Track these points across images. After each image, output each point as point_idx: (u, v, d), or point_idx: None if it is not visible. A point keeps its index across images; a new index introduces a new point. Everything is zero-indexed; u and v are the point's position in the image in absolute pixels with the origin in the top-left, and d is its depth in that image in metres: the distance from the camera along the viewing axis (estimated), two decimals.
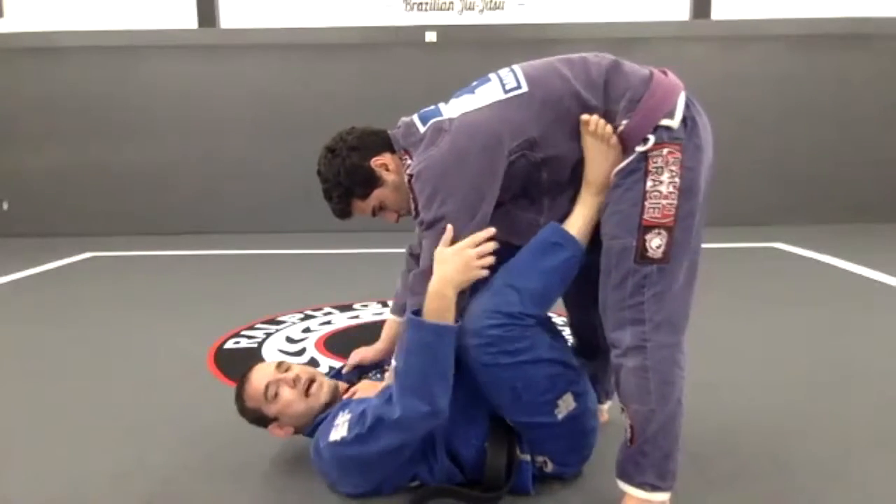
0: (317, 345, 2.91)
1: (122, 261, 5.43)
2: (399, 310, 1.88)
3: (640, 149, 1.42)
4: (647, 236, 1.41)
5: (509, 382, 1.47)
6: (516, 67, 1.56)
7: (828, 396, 2.22)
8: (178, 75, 6.73)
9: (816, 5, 6.56)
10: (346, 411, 1.55)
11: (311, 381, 1.68)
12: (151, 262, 5.37)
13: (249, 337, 3.03)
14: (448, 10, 6.66)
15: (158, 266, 5.20)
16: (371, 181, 1.59)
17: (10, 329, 3.36)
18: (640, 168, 1.43)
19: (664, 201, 1.40)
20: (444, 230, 1.45)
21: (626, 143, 1.45)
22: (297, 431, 1.70)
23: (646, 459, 1.43)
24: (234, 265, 5.12)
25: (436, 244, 1.47)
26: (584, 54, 1.57)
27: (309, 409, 1.66)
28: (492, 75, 1.57)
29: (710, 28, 6.61)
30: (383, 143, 1.61)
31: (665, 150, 1.41)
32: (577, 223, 1.52)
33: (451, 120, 1.50)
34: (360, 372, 1.90)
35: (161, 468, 1.80)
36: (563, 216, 1.55)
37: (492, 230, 1.47)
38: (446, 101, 1.59)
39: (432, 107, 1.58)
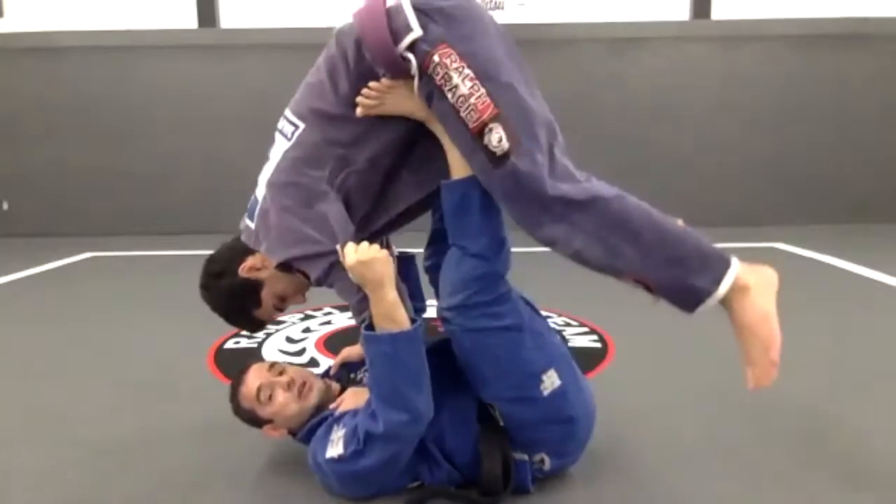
0: (317, 345, 2.91)
1: (122, 261, 5.43)
2: None
3: (414, 73, 1.39)
4: (485, 139, 1.36)
5: (493, 350, 1.47)
6: (286, 111, 1.61)
7: (828, 396, 2.22)
8: (178, 75, 6.73)
9: (816, 5, 6.56)
10: (341, 426, 1.54)
11: (304, 383, 1.68)
12: (151, 262, 5.37)
13: (249, 337, 3.03)
14: None
15: (158, 266, 5.20)
16: (253, 289, 1.65)
17: (10, 329, 3.36)
18: (431, 87, 1.39)
19: (472, 100, 1.35)
20: (330, 266, 1.49)
21: (400, 76, 1.42)
22: (290, 433, 1.69)
23: (685, 279, 1.36)
24: None
25: (343, 280, 1.49)
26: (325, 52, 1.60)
27: (302, 410, 1.66)
28: (276, 133, 1.63)
29: (710, 28, 6.61)
30: (240, 251, 1.67)
31: (435, 57, 1.36)
32: (454, 163, 1.50)
33: (265, 198, 1.57)
34: (349, 370, 1.90)
35: (161, 468, 1.80)
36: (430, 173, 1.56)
37: (351, 228, 1.51)
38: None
39: (252, 198, 1.67)
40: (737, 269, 1.39)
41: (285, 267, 1.57)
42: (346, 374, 1.88)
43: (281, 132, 1.59)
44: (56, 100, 6.73)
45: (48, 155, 6.80)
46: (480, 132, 1.36)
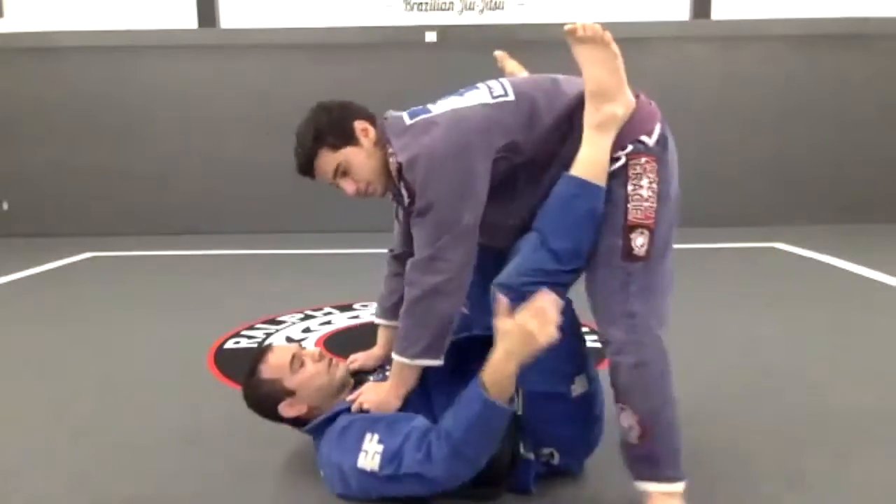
0: (317, 344, 2.91)
1: (122, 261, 5.43)
2: (386, 313, 1.91)
3: (621, 153, 1.50)
4: (632, 235, 1.47)
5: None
6: (503, 80, 1.65)
7: (828, 396, 2.22)
8: (178, 75, 6.73)
9: (816, 5, 6.56)
10: (376, 438, 1.51)
11: (331, 359, 1.74)
12: (151, 262, 5.37)
13: (249, 337, 3.03)
14: (448, 10, 6.66)
15: (158, 266, 5.20)
16: (347, 136, 1.59)
17: (10, 329, 3.36)
18: (621, 174, 1.50)
19: (645, 204, 1.48)
20: (438, 220, 1.48)
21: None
22: (306, 414, 1.68)
23: (661, 455, 1.48)
24: (234, 265, 5.12)
25: (429, 231, 1.50)
26: (571, 77, 1.65)
27: (329, 383, 1.69)
28: (479, 84, 1.64)
29: (710, 28, 6.61)
30: (370, 117, 1.65)
31: (643, 159, 1.50)
32: (586, 166, 1.51)
33: (442, 114, 1.56)
34: (359, 378, 1.88)
35: (161, 468, 1.80)
36: (531, 215, 1.57)
37: (549, 294, 1.39)
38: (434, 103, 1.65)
39: (420, 107, 1.63)
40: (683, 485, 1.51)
41: (399, 173, 1.55)
42: (357, 380, 1.87)
43: (488, 87, 1.62)
44: (56, 100, 6.73)
45: (48, 155, 6.80)
46: (633, 228, 1.48)
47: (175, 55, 6.67)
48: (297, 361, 1.69)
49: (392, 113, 1.65)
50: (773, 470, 1.73)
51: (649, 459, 1.49)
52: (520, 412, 1.56)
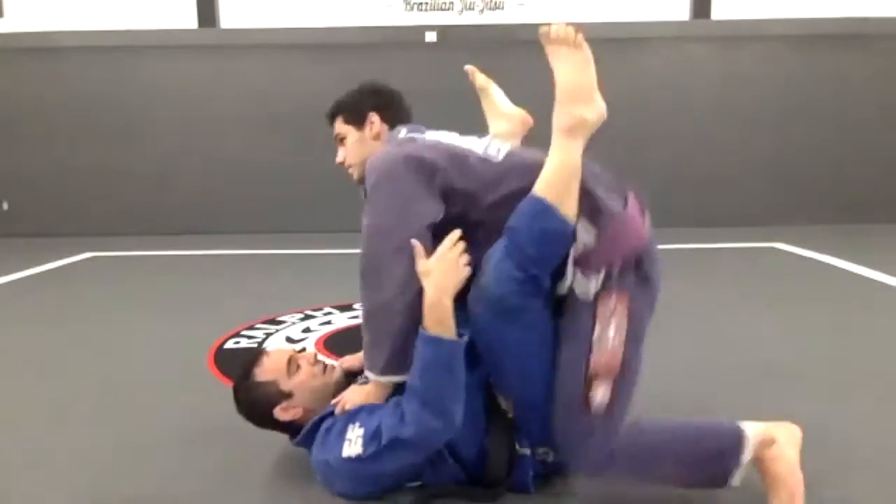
0: (317, 345, 2.91)
1: (122, 261, 5.43)
2: None
3: (594, 276, 1.43)
4: (594, 384, 1.42)
5: (540, 326, 1.48)
6: (507, 145, 1.66)
7: (828, 396, 2.22)
8: (178, 75, 6.73)
9: (816, 5, 6.56)
10: (357, 424, 1.53)
11: (325, 362, 1.76)
12: (151, 262, 5.37)
13: (249, 337, 3.03)
14: (448, 10, 6.67)
15: (158, 266, 5.20)
16: (357, 119, 1.78)
17: (10, 329, 3.36)
18: (591, 308, 1.44)
19: (608, 350, 1.42)
20: (374, 234, 1.51)
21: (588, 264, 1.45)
22: (301, 417, 1.68)
23: (711, 473, 1.49)
24: (234, 265, 5.12)
25: (366, 245, 1.52)
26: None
27: (325, 386, 1.70)
28: (485, 137, 1.71)
29: (710, 28, 6.61)
30: (395, 117, 1.80)
31: (613, 300, 1.43)
32: (555, 175, 1.43)
33: (423, 137, 1.68)
34: (348, 379, 1.89)
35: (161, 468, 1.80)
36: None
37: (458, 231, 1.50)
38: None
39: (424, 128, 1.76)
40: (756, 434, 1.47)
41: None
42: (347, 382, 1.87)
43: (487, 142, 1.66)
44: (56, 100, 6.73)
45: (48, 155, 6.80)
46: (595, 375, 1.42)
47: (175, 55, 6.67)
48: (294, 364, 1.69)
49: (410, 126, 1.77)
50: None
51: (708, 480, 1.50)
52: (511, 415, 1.57)
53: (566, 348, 1.47)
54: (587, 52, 1.46)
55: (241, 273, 4.83)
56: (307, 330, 3.13)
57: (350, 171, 1.81)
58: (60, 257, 5.35)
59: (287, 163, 6.66)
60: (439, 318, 1.44)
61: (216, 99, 6.72)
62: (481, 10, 6.65)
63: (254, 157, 6.73)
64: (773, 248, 5.22)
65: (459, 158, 1.57)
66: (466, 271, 1.47)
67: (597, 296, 1.44)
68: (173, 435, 2.00)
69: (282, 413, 1.67)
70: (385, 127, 1.78)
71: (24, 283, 4.50)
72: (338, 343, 2.89)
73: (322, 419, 1.63)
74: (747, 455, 1.45)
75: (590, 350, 1.43)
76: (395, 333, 1.51)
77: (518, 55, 6.94)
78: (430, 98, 6.16)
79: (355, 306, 3.50)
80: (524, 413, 1.56)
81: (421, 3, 6.67)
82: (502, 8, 6.65)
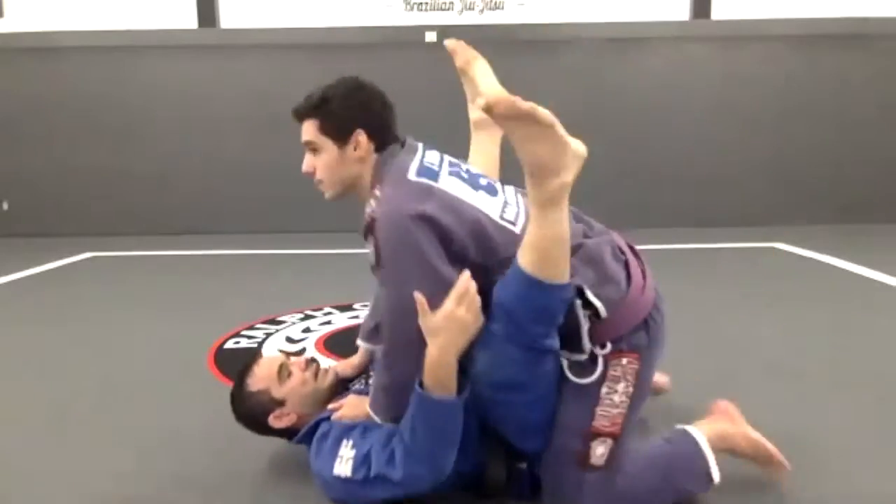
0: (317, 345, 2.91)
1: (122, 261, 5.43)
2: (365, 334, 1.90)
3: (599, 352, 1.41)
4: (593, 443, 1.42)
5: (545, 387, 1.43)
6: (526, 205, 1.51)
7: (827, 396, 2.22)
8: (178, 75, 6.72)
9: (816, 5, 6.56)
10: (350, 443, 1.51)
11: (318, 366, 1.75)
12: (151, 262, 5.37)
13: (249, 337, 3.03)
14: (448, 10, 6.66)
15: (158, 266, 5.20)
16: (341, 132, 1.53)
17: (10, 329, 3.36)
18: (596, 370, 1.41)
19: (615, 410, 1.42)
20: (405, 297, 1.37)
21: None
22: (296, 423, 1.68)
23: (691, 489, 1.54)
24: (234, 265, 5.12)
25: (388, 318, 1.46)
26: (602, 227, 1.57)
27: (317, 391, 1.70)
28: (504, 189, 1.58)
29: (710, 28, 6.61)
30: (385, 136, 1.57)
31: (625, 360, 1.42)
32: (539, 251, 1.28)
33: (443, 193, 1.45)
34: (344, 383, 1.88)
35: (161, 468, 1.80)
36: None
37: (467, 273, 1.36)
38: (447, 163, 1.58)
39: (434, 163, 1.54)
40: (707, 441, 1.56)
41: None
42: (342, 388, 1.87)
43: (505, 200, 1.54)
44: (56, 100, 6.72)
45: (48, 155, 6.80)
46: (596, 435, 1.42)
47: (175, 55, 6.67)
48: (284, 371, 1.69)
49: (404, 153, 1.56)
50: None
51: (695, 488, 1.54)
52: None
53: (572, 403, 1.43)
54: (544, 114, 1.18)
55: (241, 273, 4.83)
56: (307, 330, 3.13)
57: (320, 186, 1.61)
58: (60, 257, 5.35)
59: (287, 163, 6.58)
60: (441, 378, 1.37)
61: (216, 99, 6.72)
62: (481, 10, 6.65)
63: (254, 157, 6.72)
64: (773, 248, 5.22)
65: (478, 230, 1.43)
66: (476, 327, 1.36)
67: (605, 362, 1.42)
68: (173, 435, 2.00)
69: (276, 421, 1.68)
70: (371, 148, 1.55)
71: (24, 283, 4.50)
72: (338, 343, 2.89)
73: (319, 422, 1.63)
74: (713, 463, 1.53)
75: (594, 408, 1.42)
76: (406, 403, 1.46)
77: (518, 55, 6.96)
78: (429, 98, 6.19)
79: (355, 306, 3.50)
80: (520, 445, 1.54)
81: (421, 3, 6.67)
82: (502, 8, 6.64)
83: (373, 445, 1.48)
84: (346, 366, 1.93)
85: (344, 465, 1.49)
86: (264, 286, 4.31)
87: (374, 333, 1.88)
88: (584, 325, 1.37)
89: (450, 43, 1.94)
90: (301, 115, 1.59)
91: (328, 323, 3.24)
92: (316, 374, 1.72)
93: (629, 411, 1.44)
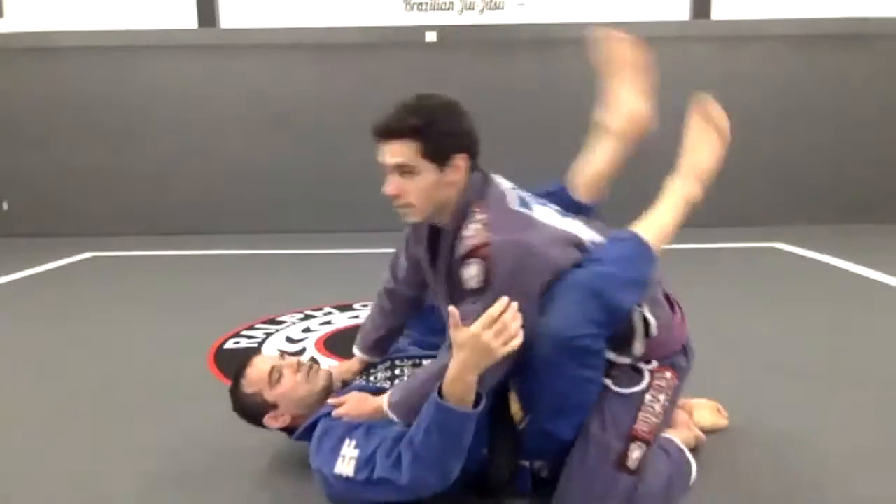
0: (317, 345, 2.91)
1: (122, 261, 5.43)
2: (367, 349, 1.90)
3: (645, 367, 1.53)
4: (632, 445, 1.48)
5: (596, 369, 1.47)
6: (598, 236, 1.59)
7: (827, 396, 2.22)
8: (178, 75, 6.73)
9: (816, 5, 6.56)
10: (353, 444, 1.51)
11: (311, 366, 1.73)
12: (151, 262, 5.37)
13: (249, 337, 3.03)
14: (448, 10, 6.66)
15: (158, 266, 5.20)
16: (442, 154, 1.46)
17: (10, 329, 3.36)
18: (645, 378, 1.52)
19: (653, 419, 1.50)
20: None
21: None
22: (291, 423, 1.69)
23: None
24: (234, 265, 5.12)
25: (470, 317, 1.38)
26: None
27: (310, 393, 1.69)
28: (593, 225, 1.63)
29: (710, 28, 6.61)
30: (474, 159, 1.54)
31: (668, 374, 1.55)
32: (658, 229, 1.58)
33: (536, 217, 1.50)
34: (343, 385, 1.88)
35: (161, 468, 1.80)
36: None
37: (504, 300, 1.33)
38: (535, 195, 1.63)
39: (527, 193, 1.59)
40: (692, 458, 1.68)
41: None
42: (339, 388, 1.87)
43: (594, 238, 1.57)
44: (56, 100, 6.72)
45: (48, 155, 6.80)
46: (635, 438, 1.48)
47: (175, 55, 6.67)
48: (275, 374, 1.68)
49: (500, 182, 1.57)
50: (773, 470, 1.73)
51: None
52: (521, 425, 1.55)
53: (616, 403, 1.50)
54: (724, 131, 1.68)
55: (241, 273, 4.83)
56: (307, 330, 3.13)
57: (404, 210, 1.51)
58: (60, 257, 5.35)
59: (287, 163, 6.66)
60: (458, 393, 1.36)
61: (216, 99, 6.72)
62: (481, 10, 6.65)
63: (254, 157, 6.72)
64: (773, 248, 5.22)
65: (577, 257, 1.47)
66: (501, 353, 1.34)
67: (652, 373, 1.53)
68: (173, 435, 2.00)
69: (271, 422, 1.69)
70: (467, 171, 1.51)
71: (24, 283, 4.51)
72: (337, 343, 2.89)
73: (319, 419, 1.62)
74: (694, 469, 1.65)
75: (638, 412, 1.50)
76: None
77: (518, 55, 6.96)
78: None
79: (355, 306, 3.50)
80: (537, 432, 1.53)
81: (421, 3, 6.67)
82: (502, 8, 6.64)
83: (378, 447, 1.47)
84: (346, 371, 1.93)
85: (346, 464, 1.49)
86: (264, 286, 4.31)
87: (374, 347, 1.89)
88: (640, 330, 1.49)
89: (610, 35, 1.95)
90: (395, 132, 1.45)
91: (328, 323, 3.24)
92: (308, 376, 1.71)
93: (661, 425, 1.53)
